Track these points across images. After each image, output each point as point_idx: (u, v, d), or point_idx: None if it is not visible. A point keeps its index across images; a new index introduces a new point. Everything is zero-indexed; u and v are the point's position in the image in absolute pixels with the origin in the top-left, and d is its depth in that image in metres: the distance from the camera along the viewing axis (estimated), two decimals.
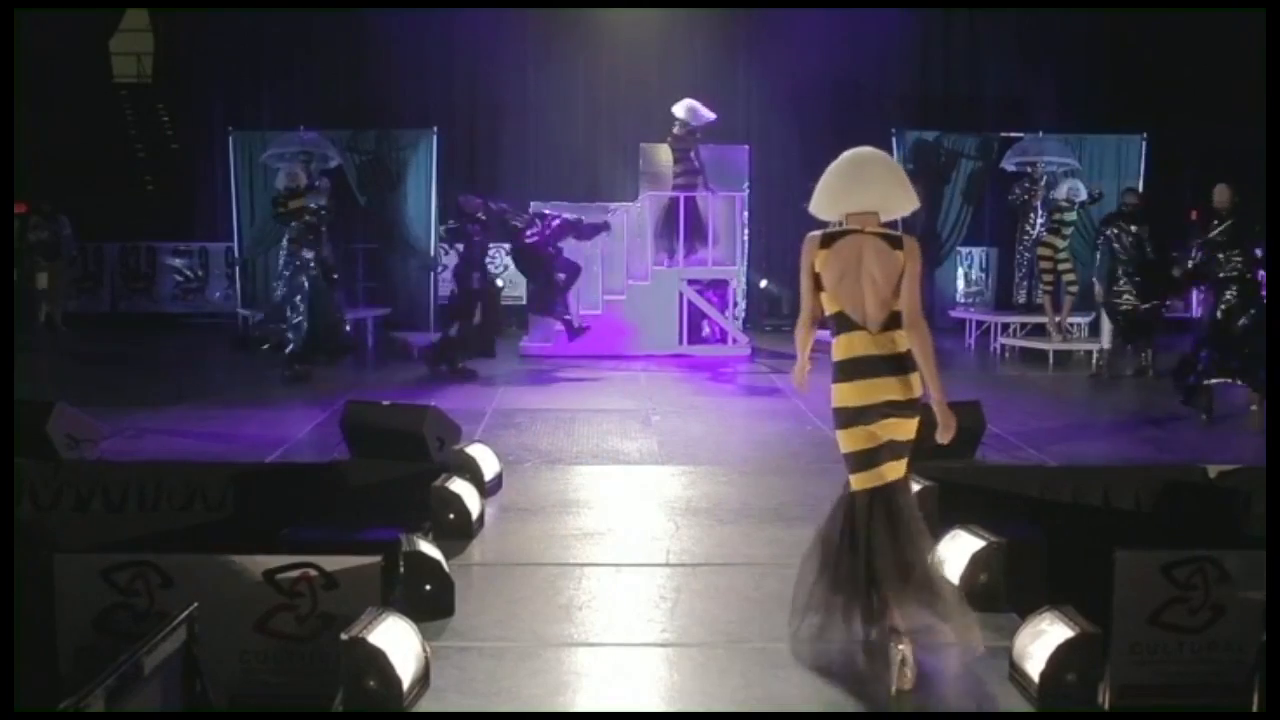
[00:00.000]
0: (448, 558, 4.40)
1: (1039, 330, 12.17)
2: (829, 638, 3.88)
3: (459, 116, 15.06)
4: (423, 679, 3.51)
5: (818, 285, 3.85)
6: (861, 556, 3.77)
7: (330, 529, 5.73)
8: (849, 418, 3.82)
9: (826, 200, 3.93)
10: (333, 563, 3.64)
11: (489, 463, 6.15)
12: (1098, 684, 3.50)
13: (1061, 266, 11.94)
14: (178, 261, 14.95)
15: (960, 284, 14.65)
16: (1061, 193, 12.06)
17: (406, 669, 3.39)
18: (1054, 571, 5.15)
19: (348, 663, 3.30)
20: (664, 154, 12.08)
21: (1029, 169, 12.64)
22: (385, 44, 14.86)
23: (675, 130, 11.77)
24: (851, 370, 3.79)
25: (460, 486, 5.32)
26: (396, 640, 3.40)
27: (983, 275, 14.72)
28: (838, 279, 3.80)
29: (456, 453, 6.15)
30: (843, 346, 3.83)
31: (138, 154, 16.51)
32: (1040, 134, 13.31)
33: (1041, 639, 3.51)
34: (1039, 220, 12.39)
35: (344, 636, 3.31)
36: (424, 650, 3.53)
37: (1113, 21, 14.88)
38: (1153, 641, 3.59)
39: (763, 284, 14.50)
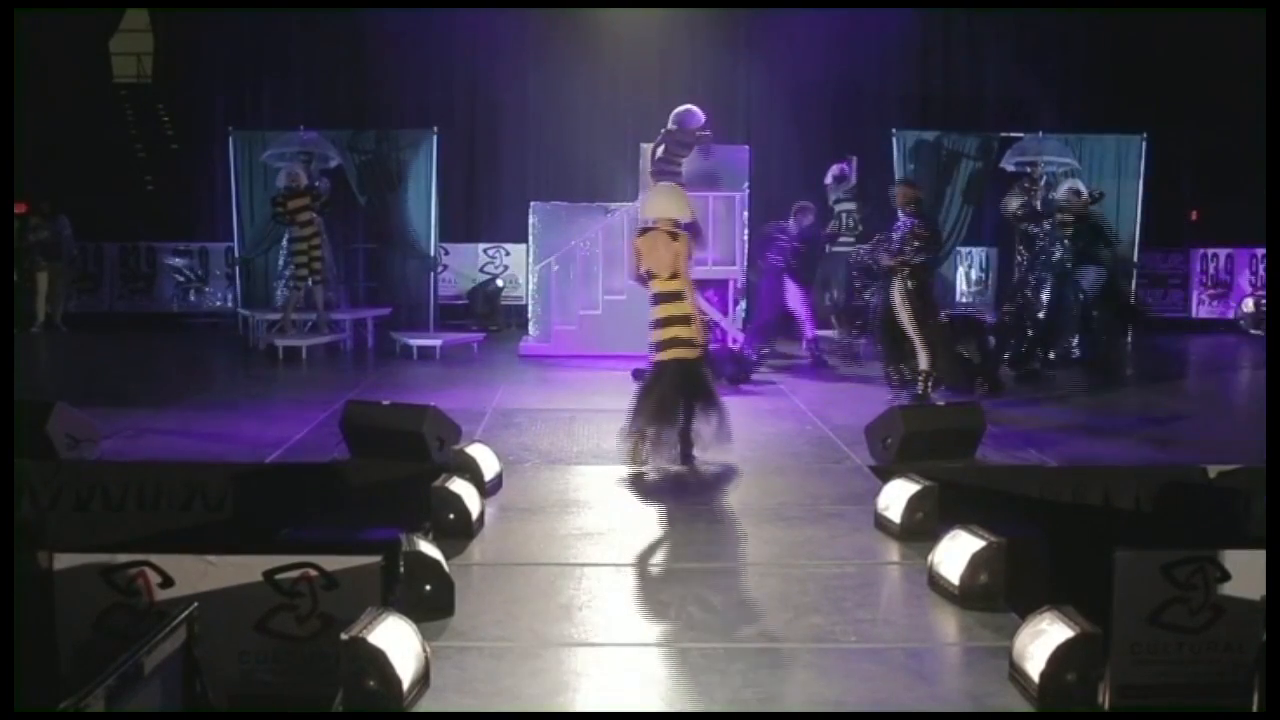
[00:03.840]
0: (448, 558, 4.39)
1: None
2: (649, 456, 6.72)
3: (459, 116, 15.06)
4: (423, 679, 3.51)
5: (638, 255, 6.87)
6: (670, 401, 6.70)
7: (330, 529, 5.75)
8: (655, 325, 6.83)
9: (643, 212, 7.39)
10: (333, 563, 3.64)
11: (489, 463, 6.14)
12: (1098, 684, 3.49)
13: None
14: (178, 261, 14.96)
15: (961, 284, 14.66)
16: (1062, 193, 12.05)
17: (406, 669, 3.38)
18: (1054, 571, 5.16)
19: (348, 663, 3.29)
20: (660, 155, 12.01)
21: (1029, 169, 12.63)
22: (385, 44, 14.86)
23: (671, 129, 11.72)
24: (656, 300, 6.84)
25: (460, 486, 5.31)
26: (396, 640, 3.39)
27: (983, 275, 14.74)
28: (647, 252, 6.82)
29: (456, 453, 6.14)
30: (656, 287, 6.83)
31: (138, 154, 16.51)
32: (1040, 134, 13.31)
33: (1041, 639, 3.50)
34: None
35: (344, 636, 3.31)
36: (424, 650, 3.53)
37: (1112, 22, 14.88)
38: (1153, 641, 3.59)
39: None
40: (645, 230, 6.92)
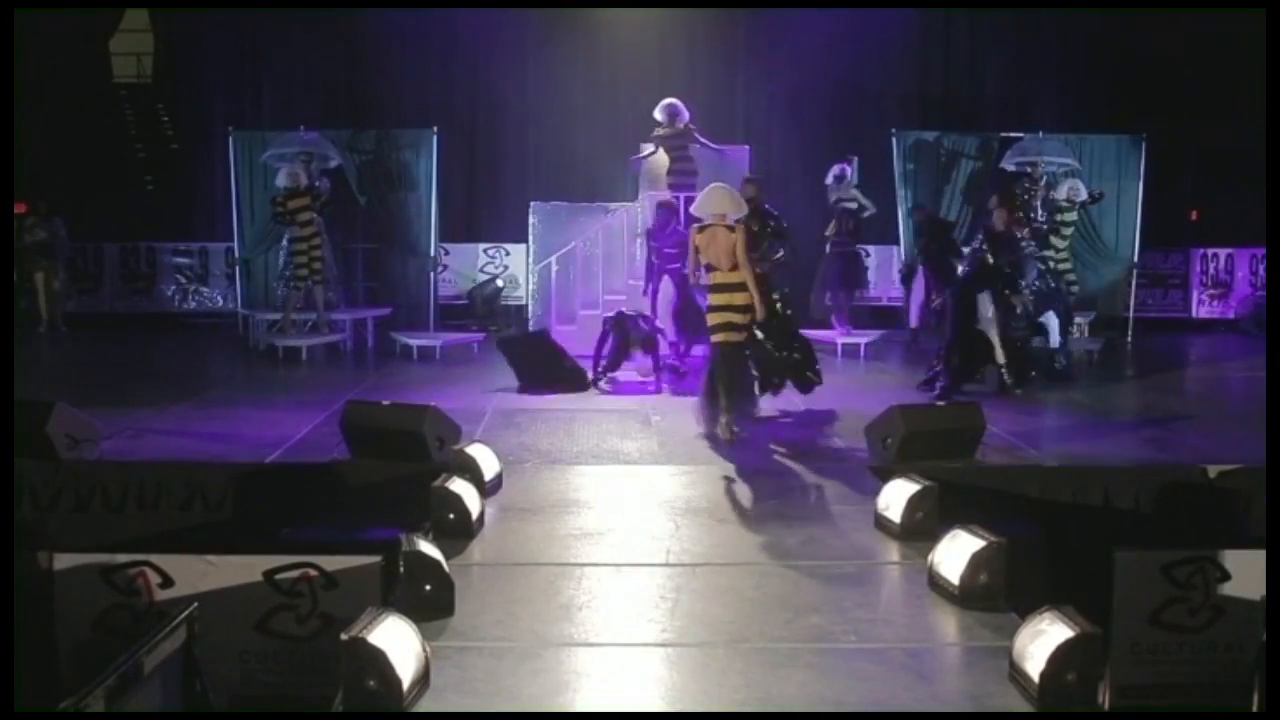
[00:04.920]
0: (448, 558, 4.40)
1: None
2: (710, 418, 7.73)
3: (459, 116, 15.05)
4: (423, 679, 3.51)
5: (697, 250, 7.59)
6: (716, 378, 7.70)
7: (330, 529, 5.74)
8: (712, 310, 7.68)
9: (700, 209, 7.78)
10: (333, 563, 3.64)
11: (489, 463, 6.15)
12: (1098, 684, 3.50)
13: (1061, 266, 11.94)
14: (179, 261, 14.97)
15: None
16: (1061, 193, 12.06)
17: (406, 669, 3.38)
18: (1054, 571, 5.16)
19: (348, 663, 3.29)
20: (661, 155, 12.02)
21: (1029, 169, 12.64)
22: (385, 44, 14.86)
23: (661, 131, 11.72)
24: (715, 290, 7.62)
25: (460, 486, 5.32)
26: (396, 640, 3.39)
27: None
28: (705, 246, 7.56)
29: (456, 453, 6.15)
30: (716, 278, 7.59)
31: (138, 154, 16.50)
32: (1040, 134, 13.30)
33: (1041, 639, 3.50)
34: (1039, 220, 12.37)
35: (344, 636, 3.31)
36: (424, 650, 3.53)
37: (1112, 22, 14.88)
38: (1153, 641, 3.59)
39: None
40: (703, 227, 7.58)
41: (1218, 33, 14.18)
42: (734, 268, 7.48)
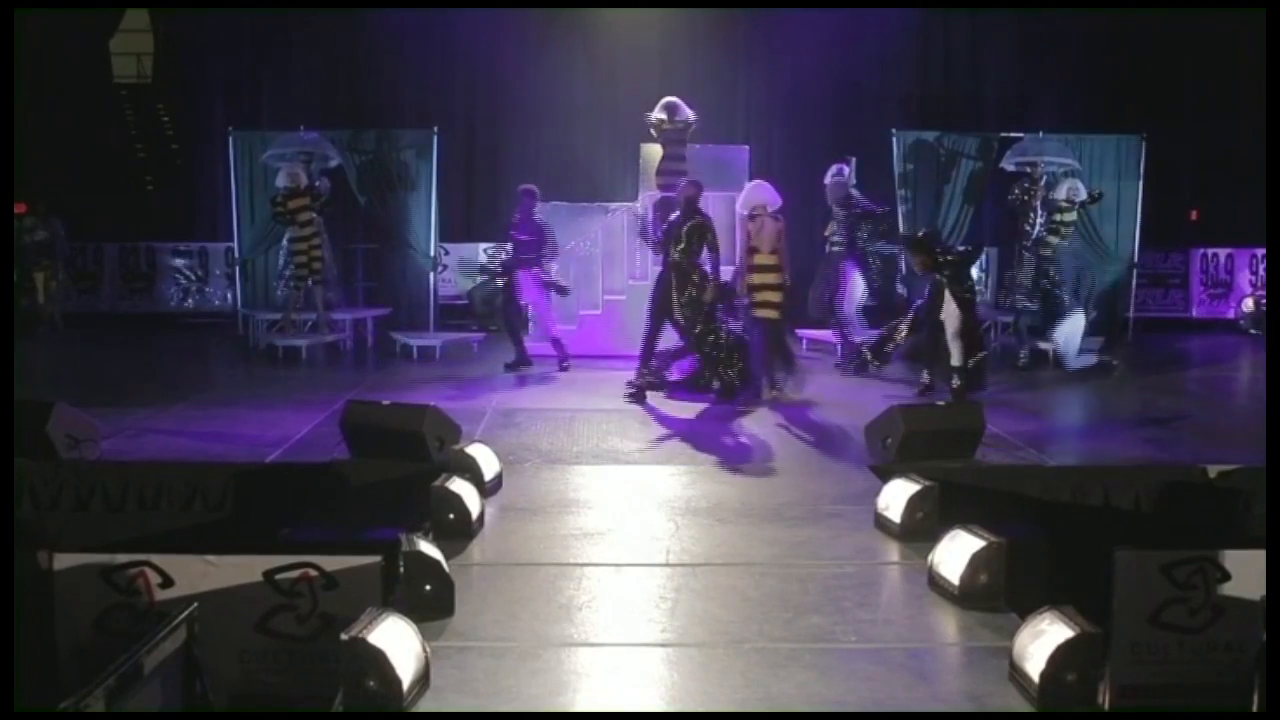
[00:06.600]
0: (448, 558, 4.40)
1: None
2: (756, 389, 9.00)
3: (459, 116, 15.05)
4: (423, 679, 3.51)
5: (749, 236, 9.04)
6: (768, 351, 9.05)
7: (330, 529, 5.74)
8: (754, 290, 9.01)
9: (746, 203, 9.33)
10: (333, 563, 3.64)
11: (489, 463, 6.15)
12: (1098, 684, 3.50)
13: (1052, 270, 11.92)
14: (179, 261, 14.97)
15: None
16: (1061, 193, 12.05)
17: (406, 669, 3.38)
18: (1054, 571, 5.16)
19: (348, 663, 3.29)
20: (655, 150, 11.98)
21: (1029, 169, 12.63)
22: (385, 44, 14.86)
23: (664, 127, 11.69)
24: (759, 270, 8.97)
25: (460, 486, 5.32)
26: (396, 640, 3.39)
27: (982, 275, 14.71)
28: (755, 233, 8.97)
29: (456, 453, 6.14)
30: (756, 260, 9.00)
31: (138, 154, 16.51)
32: (1040, 134, 13.30)
33: (1041, 639, 3.50)
34: (1038, 220, 12.37)
35: (344, 636, 3.31)
36: (424, 650, 3.53)
37: (1112, 22, 14.88)
38: (1153, 641, 3.59)
39: None
40: (753, 216, 9.12)
41: (1218, 33, 14.18)
42: (773, 251, 8.93)
